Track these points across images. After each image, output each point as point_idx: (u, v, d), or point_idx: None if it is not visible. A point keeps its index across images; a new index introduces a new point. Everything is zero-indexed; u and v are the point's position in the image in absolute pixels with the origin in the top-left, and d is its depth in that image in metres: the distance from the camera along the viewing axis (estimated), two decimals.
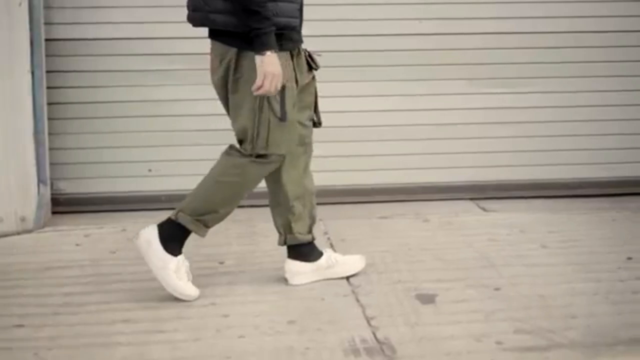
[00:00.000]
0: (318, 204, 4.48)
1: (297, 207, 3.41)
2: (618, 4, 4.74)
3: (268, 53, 3.03)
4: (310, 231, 3.48)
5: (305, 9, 3.28)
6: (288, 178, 3.37)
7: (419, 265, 3.64)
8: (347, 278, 3.50)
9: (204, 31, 4.45)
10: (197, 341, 2.94)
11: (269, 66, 3.03)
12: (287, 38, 3.15)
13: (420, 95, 4.67)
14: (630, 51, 4.76)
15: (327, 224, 4.22)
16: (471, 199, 4.74)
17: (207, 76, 4.46)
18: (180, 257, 3.28)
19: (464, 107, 4.74)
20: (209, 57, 4.47)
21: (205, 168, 4.51)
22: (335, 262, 3.51)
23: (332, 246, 3.91)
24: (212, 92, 4.48)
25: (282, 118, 3.17)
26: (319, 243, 3.84)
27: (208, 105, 4.52)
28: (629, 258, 3.74)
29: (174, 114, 4.54)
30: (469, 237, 4.02)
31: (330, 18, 4.53)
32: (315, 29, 4.42)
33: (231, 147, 3.31)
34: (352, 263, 3.55)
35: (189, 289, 3.29)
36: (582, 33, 4.71)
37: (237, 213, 4.38)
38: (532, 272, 3.57)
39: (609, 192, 4.83)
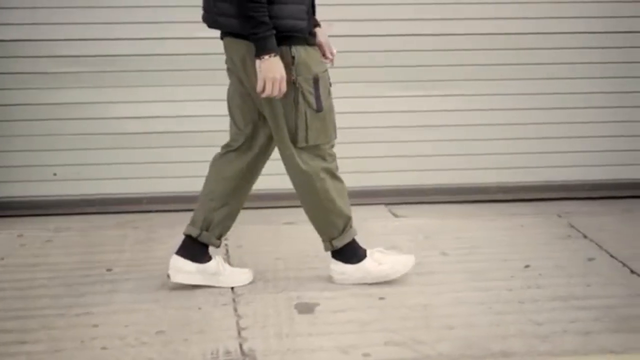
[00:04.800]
0: None
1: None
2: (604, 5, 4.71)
3: (266, 57, 3.03)
4: (220, 237, 3.44)
5: None
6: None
7: (309, 273, 3.56)
8: (232, 287, 3.42)
9: (111, 33, 4.41)
10: (56, 353, 2.86)
11: (268, 71, 3.04)
12: (309, 34, 3.16)
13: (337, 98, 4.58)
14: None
15: None
16: (386, 204, 4.66)
17: (114, 79, 4.43)
18: (367, 252, 3.44)
19: (383, 110, 4.67)
20: (115, 60, 4.44)
21: (114, 172, 4.49)
22: (223, 270, 3.43)
23: (227, 252, 3.84)
24: (119, 95, 4.45)
25: (319, 109, 3.17)
26: (216, 250, 3.78)
27: (116, 108, 4.47)
28: (527, 266, 3.67)
29: (80, 117, 4.44)
30: (370, 244, 3.89)
31: None
32: None
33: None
34: (238, 276, 3.47)
35: (404, 259, 3.48)
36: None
37: (136, 220, 4.35)
38: (422, 280, 3.50)
39: (529, 196, 4.76)
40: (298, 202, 4.46)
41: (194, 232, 3.40)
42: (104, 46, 4.43)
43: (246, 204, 4.42)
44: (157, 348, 2.89)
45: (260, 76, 3.05)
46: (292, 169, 3.31)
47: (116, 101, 4.47)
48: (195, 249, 3.40)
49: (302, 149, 3.24)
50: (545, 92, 4.71)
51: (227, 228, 3.46)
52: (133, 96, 4.44)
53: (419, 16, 4.60)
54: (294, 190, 4.53)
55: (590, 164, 4.81)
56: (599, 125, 4.78)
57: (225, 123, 4.51)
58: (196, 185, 4.47)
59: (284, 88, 3.08)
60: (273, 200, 4.52)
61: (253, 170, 3.42)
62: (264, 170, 4.48)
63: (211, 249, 3.46)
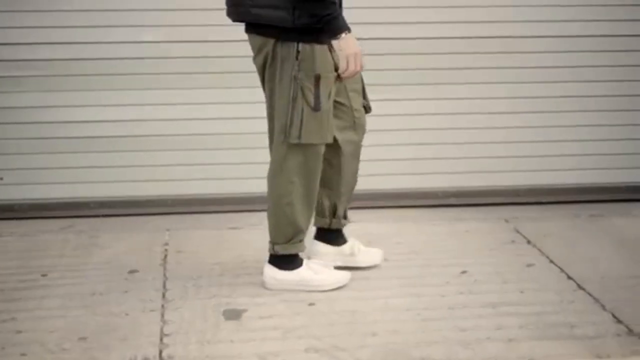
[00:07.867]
0: (166, 213, 4.45)
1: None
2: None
3: (343, 35, 3.06)
4: (345, 216, 3.65)
5: None
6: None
7: (243, 279, 3.55)
8: (163, 293, 3.41)
9: (56, 37, 4.38)
10: None
11: (348, 48, 3.07)
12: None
13: None
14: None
15: (171, 234, 4.12)
16: None
17: (60, 82, 4.41)
18: (304, 262, 3.47)
19: None
20: (60, 63, 4.42)
21: (60, 176, 4.46)
22: (357, 251, 3.63)
23: (165, 257, 3.82)
24: (65, 99, 4.43)
25: (316, 108, 3.18)
26: (155, 255, 3.79)
27: (62, 112, 4.44)
28: (463, 272, 3.66)
29: (26, 121, 4.41)
30: None
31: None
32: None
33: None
34: (372, 255, 3.65)
35: (341, 275, 3.51)
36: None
37: (81, 224, 4.32)
38: (356, 286, 3.48)
39: (479, 201, 4.72)
40: (243, 207, 4.50)
41: (325, 224, 3.59)
42: (52, 50, 4.40)
43: (189, 209, 4.47)
44: (75, 355, 2.88)
45: (341, 55, 3.08)
46: (272, 161, 3.34)
47: (61, 105, 4.43)
48: (328, 234, 3.60)
49: (292, 145, 3.23)
50: (491, 97, 4.67)
51: (347, 204, 3.63)
52: (78, 100, 4.41)
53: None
54: (238, 196, 4.56)
55: (541, 169, 4.77)
56: (548, 130, 4.75)
57: (171, 126, 4.52)
58: (143, 189, 4.51)
59: (363, 63, 3.12)
60: (218, 205, 4.50)
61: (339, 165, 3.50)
62: (207, 175, 4.52)
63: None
